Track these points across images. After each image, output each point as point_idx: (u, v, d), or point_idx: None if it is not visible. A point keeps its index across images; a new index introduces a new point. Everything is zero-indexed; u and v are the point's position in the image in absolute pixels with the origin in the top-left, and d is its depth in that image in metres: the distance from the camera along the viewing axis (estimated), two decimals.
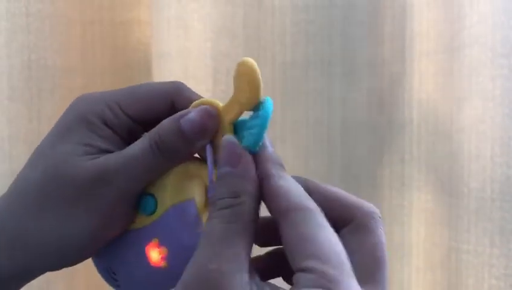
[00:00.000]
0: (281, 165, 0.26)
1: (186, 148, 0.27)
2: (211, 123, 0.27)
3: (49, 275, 0.30)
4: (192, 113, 0.26)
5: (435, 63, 0.59)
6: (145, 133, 0.28)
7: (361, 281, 0.22)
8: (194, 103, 0.28)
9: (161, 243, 0.27)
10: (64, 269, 0.28)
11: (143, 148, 0.27)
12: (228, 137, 0.26)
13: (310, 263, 0.21)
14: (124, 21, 0.60)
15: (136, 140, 0.28)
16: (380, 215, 0.26)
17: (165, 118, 0.28)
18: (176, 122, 0.27)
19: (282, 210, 0.23)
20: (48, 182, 0.27)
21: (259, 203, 0.25)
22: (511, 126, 0.57)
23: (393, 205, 0.60)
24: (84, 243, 0.27)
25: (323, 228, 0.23)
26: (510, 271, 0.58)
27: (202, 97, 0.29)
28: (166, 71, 0.55)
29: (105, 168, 0.26)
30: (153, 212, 0.28)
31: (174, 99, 0.28)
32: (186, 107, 0.28)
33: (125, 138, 0.28)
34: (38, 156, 0.28)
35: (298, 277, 0.21)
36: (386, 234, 0.63)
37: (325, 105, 0.59)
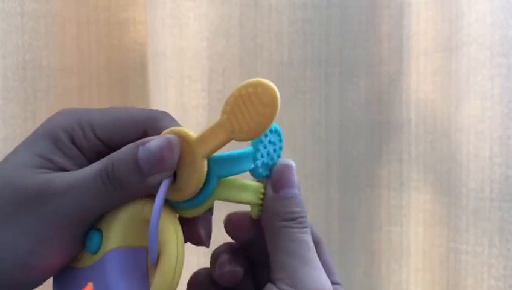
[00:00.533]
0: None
1: (141, 183, 0.24)
2: (171, 156, 0.23)
3: None
4: (152, 142, 0.24)
5: (433, 63, 0.59)
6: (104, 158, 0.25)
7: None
8: (165, 131, 0.24)
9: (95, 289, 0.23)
10: None
11: (93, 174, 0.24)
12: (287, 161, 0.26)
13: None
14: (119, 21, 0.59)
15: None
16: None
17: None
18: (134, 150, 0.24)
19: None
20: (8, 189, 0.24)
21: None
22: (510, 126, 0.57)
23: (391, 205, 0.60)
24: (18, 262, 0.24)
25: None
26: (509, 271, 0.58)
27: (180, 126, 0.26)
28: (161, 71, 0.55)
29: (48, 186, 0.24)
30: (97, 251, 0.24)
31: (147, 127, 0.26)
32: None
33: (92, 161, 0.26)
34: (1, 161, 0.26)
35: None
36: (384, 234, 0.63)
37: (322, 105, 0.59)
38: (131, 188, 0.24)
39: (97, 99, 0.59)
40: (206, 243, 0.26)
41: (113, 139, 0.26)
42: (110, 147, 0.26)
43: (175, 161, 0.24)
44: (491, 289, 0.58)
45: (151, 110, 0.27)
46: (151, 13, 0.56)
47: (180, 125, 0.26)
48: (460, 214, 0.58)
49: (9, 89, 0.54)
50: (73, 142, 0.26)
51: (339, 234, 0.60)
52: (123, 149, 0.24)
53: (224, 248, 0.28)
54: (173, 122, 0.26)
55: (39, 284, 0.25)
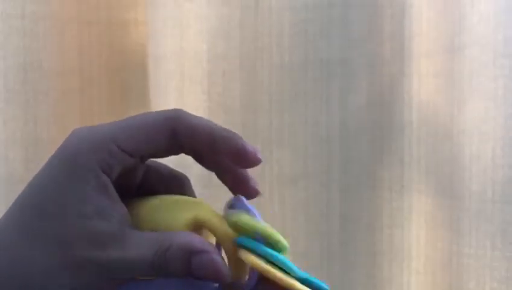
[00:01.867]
0: None
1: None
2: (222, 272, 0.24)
3: None
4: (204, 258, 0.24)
5: (435, 64, 0.58)
6: (151, 237, 0.25)
7: None
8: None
9: None
10: None
11: (144, 261, 0.24)
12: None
13: None
14: (120, 22, 0.59)
15: (129, 174, 0.26)
16: None
17: (164, 150, 0.26)
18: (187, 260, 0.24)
19: None
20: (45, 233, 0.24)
21: None
22: None
23: (393, 207, 0.59)
24: None
25: None
26: (511, 274, 0.57)
27: (202, 120, 0.26)
28: (162, 73, 0.54)
29: (102, 262, 0.24)
30: None
31: (175, 126, 0.26)
32: (188, 135, 0.26)
33: (118, 177, 0.26)
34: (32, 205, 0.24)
35: None
36: (385, 236, 0.62)
37: (323, 106, 0.58)
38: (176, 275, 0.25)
39: (97, 100, 0.59)
40: None
41: (140, 149, 0.26)
42: (135, 156, 0.26)
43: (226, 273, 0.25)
44: None
45: (169, 109, 0.27)
46: (152, 14, 0.56)
47: (200, 118, 0.27)
48: (463, 217, 0.58)
49: (10, 91, 0.54)
50: (107, 173, 0.25)
51: (340, 235, 0.59)
52: (176, 254, 0.24)
53: None
54: (193, 117, 0.26)
55: None
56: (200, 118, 0.27)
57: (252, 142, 0.58)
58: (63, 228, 0.24)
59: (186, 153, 0.27)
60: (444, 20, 0.57)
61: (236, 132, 0.58)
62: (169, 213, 0.26)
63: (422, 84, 0.59)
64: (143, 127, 0.25)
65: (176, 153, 0.27)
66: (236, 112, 0.56)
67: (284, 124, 0.58)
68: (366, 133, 0.59)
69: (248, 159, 0.26)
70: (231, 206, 0.27)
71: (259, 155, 0.27)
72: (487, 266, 0.58)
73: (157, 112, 0.27)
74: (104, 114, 0.59)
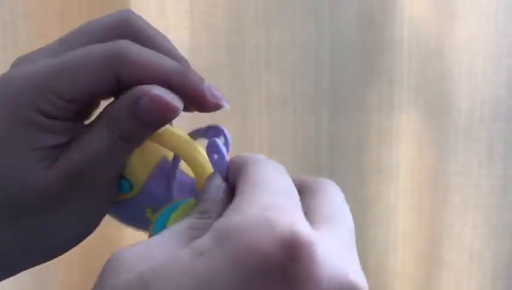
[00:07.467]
0: None
1: (148, 133, 0.24)
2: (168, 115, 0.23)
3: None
4: (144, 100, 0.23)
5: None
6: (98, 123, 0.24)
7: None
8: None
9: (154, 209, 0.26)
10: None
11: (106, 143, 0.24)
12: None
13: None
14: None
15: (78, 118, 0.25)
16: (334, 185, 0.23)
17: (107, 94, 0.24)
18: (131, 112, 0.23)
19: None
20: (11, 195, 0.23)
21: None
22: (504, 44, 0.56)
23: (381, 128, 0.59)
24: (67, 243, 0.25)
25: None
26: (496, 190, 0.58)
27: (152, 28, 0.25)
28: None
29: (69, 173, 0.23)
30: (130, 190, 0.26)
31: (118, 71, 0.23)
32: (133, 80, 0.23)
33: (68, 121, 0.24)
34: None
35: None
36: (373, 157, 0.62)
37: (312, 24, 0.56)
38: (142, 139, 0.24)
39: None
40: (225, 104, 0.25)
41: (81, 95, 0.24)
42: (78, 101, 0.24)
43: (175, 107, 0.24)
44: (477, 208, 0.59)
45: (113, 42, 0.24)
46: None
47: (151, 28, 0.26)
48: (450, 135, 0.58)
49: None
50: (44, 114, 0.23)
51: (328, 156, 0.60)
52: (123, 114, 0.23)
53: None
54: (136, 52, 0.24)
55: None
56: (147, 52, 0.24)
57: (239, 64, 0.57)
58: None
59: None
60: None
61: (222, 53, 0.57)
62: None
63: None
64: (83, 71, 0.23)
65: (122, 92, 0.24)
66: (221, 32, 0.54)
67: (271, 43, 0.56)
68: (355, 52, 0.57)
69: (208, 107, 0.25)
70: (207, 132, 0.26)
71: (223, 102, 0.25)
72: (472, 183, 0.59)
73: (99, 47, 0.24)
74: None
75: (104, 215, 0.27)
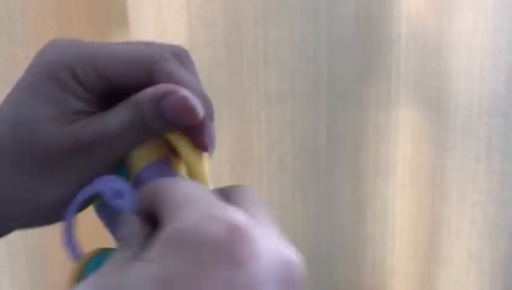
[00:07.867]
0: None
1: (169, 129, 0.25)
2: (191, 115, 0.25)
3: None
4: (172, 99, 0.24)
5: None
6: (122, 104, 0.25)
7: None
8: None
9: None
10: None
11: (123, 123, 0.25)
12: None
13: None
14: None
15: (108, 102, 0.26)
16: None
17: (141, 84, 0.25)
18: (155, 104, 0.25)
19: None
20: (20, 144, 0.24)
21: None
22: (502, 40, 0.56)
23: (379, 124, 0.59)
24: (58, 209, 0.26)
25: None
26: (494, 186, 0.59)
27: (179, 71, 0.26)
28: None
29: (80, 139, 0.24)
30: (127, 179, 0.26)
31: (150, 68, 0.25)
32: (162, 81, 0.25)
33: (99, 98, 0.26)
34: (7, 113, 0.25)
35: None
36: (371, 153, 0.62)
37: (310, 21, 0.56)
38: (162, 133, 0.26)
39: (76, 18, 0.56)
40: (210, 150, 0.27)
41: (117, 78, 0.25)
42: (112, 83, 0.26)
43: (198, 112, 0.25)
44: (475, 203, 0.59)
45: (151, 45, 0.26)
46: None
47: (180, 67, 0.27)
48: (448, 131, 0.58)
49: None
50: (78, 80, 0.25)
51: (326, 153, 0.60)
52: (146, 105, 0.25)
53: None
54: (174, 64, 0.26)
55: None
56: (177, 65, 0.26)
57: (237, 61, 0.57)
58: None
59: None
60: None
61: (219, 50, 0.56)
62: None
63: None
64: (123, 58, 0.25)
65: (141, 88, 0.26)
66: (219, 28, 0.54)
67: (269, 40, 0.56)
68: (354, 49, 0.57)
69: (200, 147, 0.26)
70: None
71: (211, 149, 0.26)
72: (470, 178, 0.59)
73: (143, 46, 0.26)
74: (83, 28, 0.57)
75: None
